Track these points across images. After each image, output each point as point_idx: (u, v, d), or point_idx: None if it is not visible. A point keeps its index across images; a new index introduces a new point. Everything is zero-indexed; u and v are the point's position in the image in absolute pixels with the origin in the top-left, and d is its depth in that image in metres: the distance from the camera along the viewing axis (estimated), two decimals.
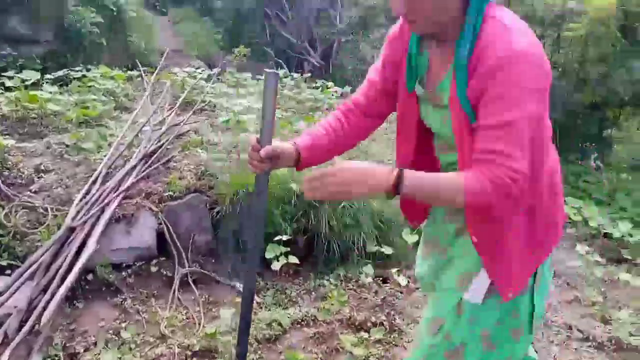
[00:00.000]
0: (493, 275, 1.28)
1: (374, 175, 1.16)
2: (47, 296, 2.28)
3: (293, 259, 2.84)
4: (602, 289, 3.12)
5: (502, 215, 1.24)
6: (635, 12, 4.57)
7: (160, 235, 2.90)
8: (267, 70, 1.32)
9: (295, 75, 6.22)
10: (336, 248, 3.06)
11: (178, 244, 2.88)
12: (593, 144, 5.52)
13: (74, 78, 5.07)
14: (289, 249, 2.88)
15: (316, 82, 6.09)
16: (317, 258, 3.10)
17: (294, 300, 2.79)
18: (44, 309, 2.21)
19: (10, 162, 3.10)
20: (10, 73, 4.89)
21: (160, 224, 2.90)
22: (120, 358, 2.20)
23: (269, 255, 2.84)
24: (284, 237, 2.88)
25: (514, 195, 1.12)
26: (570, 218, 4.02)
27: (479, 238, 1.29)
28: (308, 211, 3.08)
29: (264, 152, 1.32)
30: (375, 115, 1.48)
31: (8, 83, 4.62)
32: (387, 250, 3.12)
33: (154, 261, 2.84)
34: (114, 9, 6.50)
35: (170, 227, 2.90)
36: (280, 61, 8.27)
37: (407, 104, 1.37)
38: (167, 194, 3.01)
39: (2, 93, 4.29)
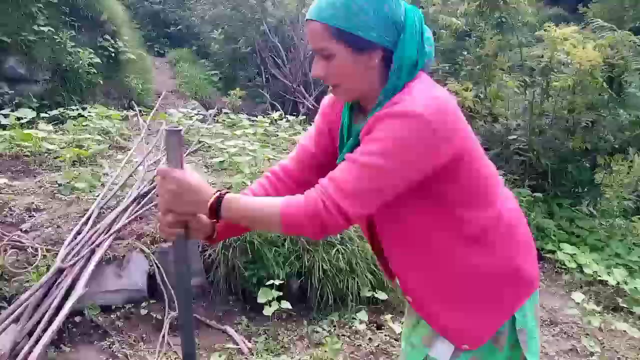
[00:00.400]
0: (440, 331, 1.27)
1: (198, 194, 1.15)
2: (32, 340, 2.20)
3: (286, 304, 2.79)
4: (600, 339, 3.08)
5: (434, 264, 1.24)
6: (619, 64, 4.72)
7: (151, 277, 2.84)
8: (167, 128, 1.18)
9: (290, 117, 6.29)
10: (330, 293, 3.01)
11: (169, 286, 2.83)
12: (585, 189, 5.56)
13: (70, 117, 5.10)
14: (281, 293, 2.83)
15: (310, 124, 6.15)
16: (311, 303, 3.05)
17: (286, 346, 2.72)
18: (29, 353, 2.13)
19: (1, 201, 3.07)
20: (6, 111, 4.92)
21: (152, 265, 2.85)
22: None
23: (261, 299, 2.79)
24: (277, 282, 2.83)
25: (324, 225, 1.10)
26: (565, 265, 4.00)
27: (413, 294, 1.31)
28: (301, 254, 3.05)
29: (173, 216, 1.18)
30: (309, 183, 1.28)
31: (3, 121, 4.64)
32: (382, 295, 3.07)
33: (144, 304, 2.78)
34: (113, 50, 6.60)
35: (162, 269, 2.85)
36: (276, 103, 8.38)
37: None
38: (159, 235, 2.98)
39: None
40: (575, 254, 4.08)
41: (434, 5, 6.36)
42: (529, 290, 1.30)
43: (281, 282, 2.87)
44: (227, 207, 1.14)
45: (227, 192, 1.16)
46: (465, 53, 5.99)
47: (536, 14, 7.42)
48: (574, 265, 3.99)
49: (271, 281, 2.83)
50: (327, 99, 1.40)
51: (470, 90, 5.30)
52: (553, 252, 4.26)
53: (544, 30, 5.10)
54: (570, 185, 5.01)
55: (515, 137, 5.11)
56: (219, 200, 1.14)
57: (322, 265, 3.01)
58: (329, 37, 1.13)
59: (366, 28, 1.12)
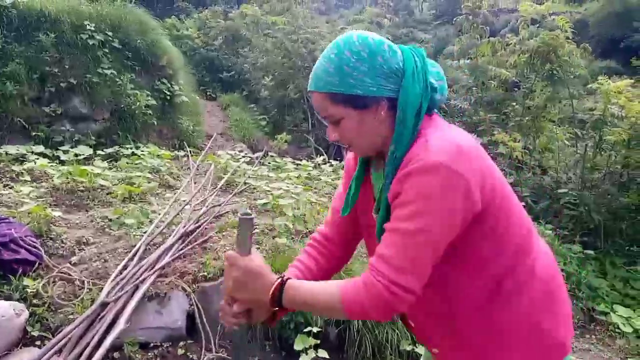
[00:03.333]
0: None
1: (261, 283, 1.15)
2: None
3: (323, 353, 2.73)
4: None
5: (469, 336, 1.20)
6: None
7: (190, 316, 2.86)
8: (241, 215, 1.21)
9: (334, 162, 6.35)
10: (368, 344, 2.93)
11: (207, 327, 2.83)
12: None
13: (124, 155, 5.33)
14: (318, 341, 2.77)
15: None
16: (348, 353, 2.97)
17: None
18: None
19: (54, 233, 3.20)
20: (65, 147, 5.20)
21: (192, 305, 2.87)
22: None
23: (297, 347, 2.74)
24: (315, 329, 2.78)
25: (391, 307, 1.06)
26: (619, 328, 3.76)
27: (437, 346, 1.30)
28: None
29: (238, 306, 1.21)
30: (350, 241, 1.42)
31: (63, 157, 4.90)
32: (422, 350, 2.96)
33: (182, 343, 2.78)
34: (168, 93, 6.91)
35: (201, 309, 2.86)
36: (320, 148, 8.49)
37: (363, 228, 1.35)
38: (201, 274, 3.01)
39: (56, 165, 4.52)
40: (630, 317, 3.83)
41: (483, 56, 6.39)
42: (560, 355, 1.22)
43: (319, 329, 2.82)
44: (288, 296, 1.14)
45: (288, 279, 1.16)
46: (514, 104, 5.94)
47: (587, 67, 7.32)
48: (629, 329, 3.74)
49: (309, 328, 2.78)
50: (350, 155, 1.40)
51: (519, 141, 5.22)
52: (606, 313, 4.02)
53: (597, 83, 5.01)
54: (624, 244, 4.76)
55: (565, 190, 4.95)
56: (280, 288, 1.14)
57: None
58: (332, 104, 1.15)
59: (364, 85, 1.11)
